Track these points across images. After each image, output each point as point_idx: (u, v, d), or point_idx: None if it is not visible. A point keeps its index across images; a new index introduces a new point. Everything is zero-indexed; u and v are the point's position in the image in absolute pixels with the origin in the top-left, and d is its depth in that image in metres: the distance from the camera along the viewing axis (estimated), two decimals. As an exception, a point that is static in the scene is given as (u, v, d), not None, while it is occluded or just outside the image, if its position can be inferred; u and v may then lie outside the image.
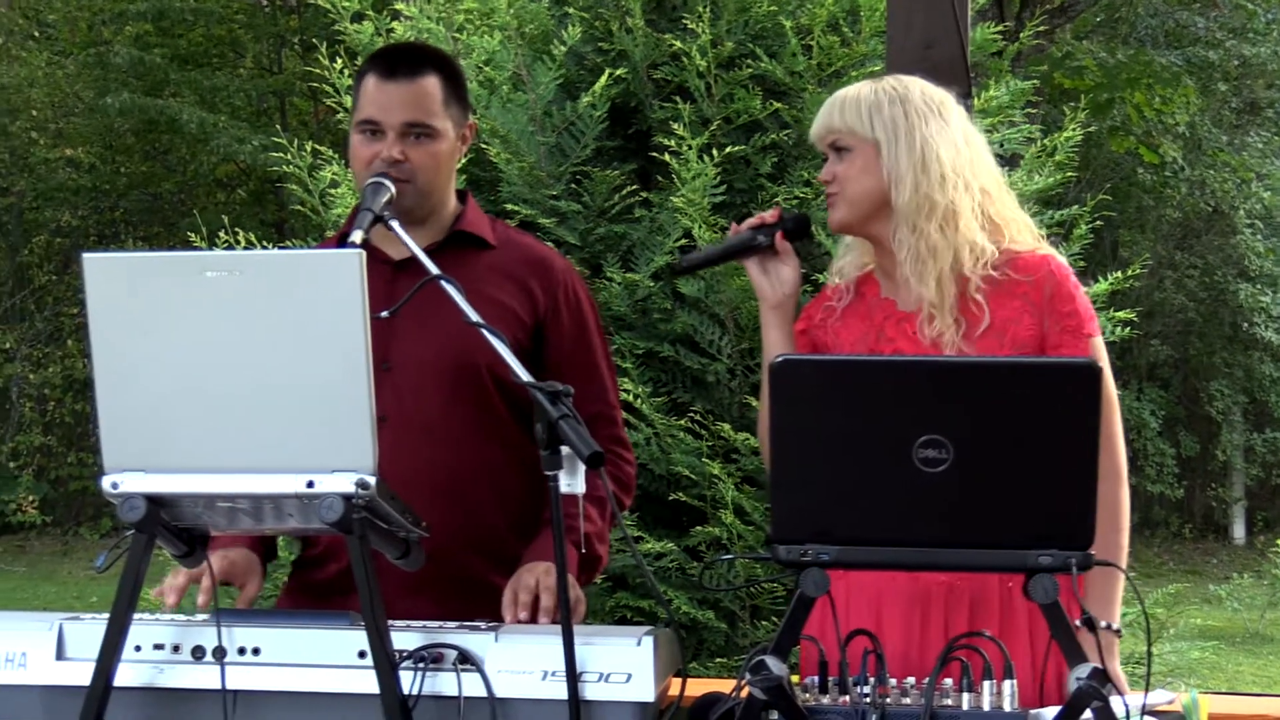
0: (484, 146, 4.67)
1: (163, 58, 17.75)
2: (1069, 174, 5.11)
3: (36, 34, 19.03)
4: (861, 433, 2.20)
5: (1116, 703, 2.16)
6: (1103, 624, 2.72)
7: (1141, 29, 17.39)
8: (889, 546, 2.23)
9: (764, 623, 4.45)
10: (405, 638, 2.35)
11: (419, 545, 2.47)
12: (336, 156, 5.03)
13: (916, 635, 2.72)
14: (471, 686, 2.31)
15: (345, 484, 2.23)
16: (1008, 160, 5.19)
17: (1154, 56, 15.80)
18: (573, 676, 2.27)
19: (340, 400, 2.24)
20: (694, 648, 4.44)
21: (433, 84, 2.93)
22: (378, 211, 2.76)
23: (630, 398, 4.36)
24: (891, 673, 2.33)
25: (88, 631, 2.42)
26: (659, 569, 4.43)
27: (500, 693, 2.31)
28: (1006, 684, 2.28)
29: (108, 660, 2.28)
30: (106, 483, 2.29)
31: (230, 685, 2.35)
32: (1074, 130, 5.02)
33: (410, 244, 2.70)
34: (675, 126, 4.57)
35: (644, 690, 2.30)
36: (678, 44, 4.70)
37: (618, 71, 4.70)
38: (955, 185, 2.80)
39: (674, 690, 2.41)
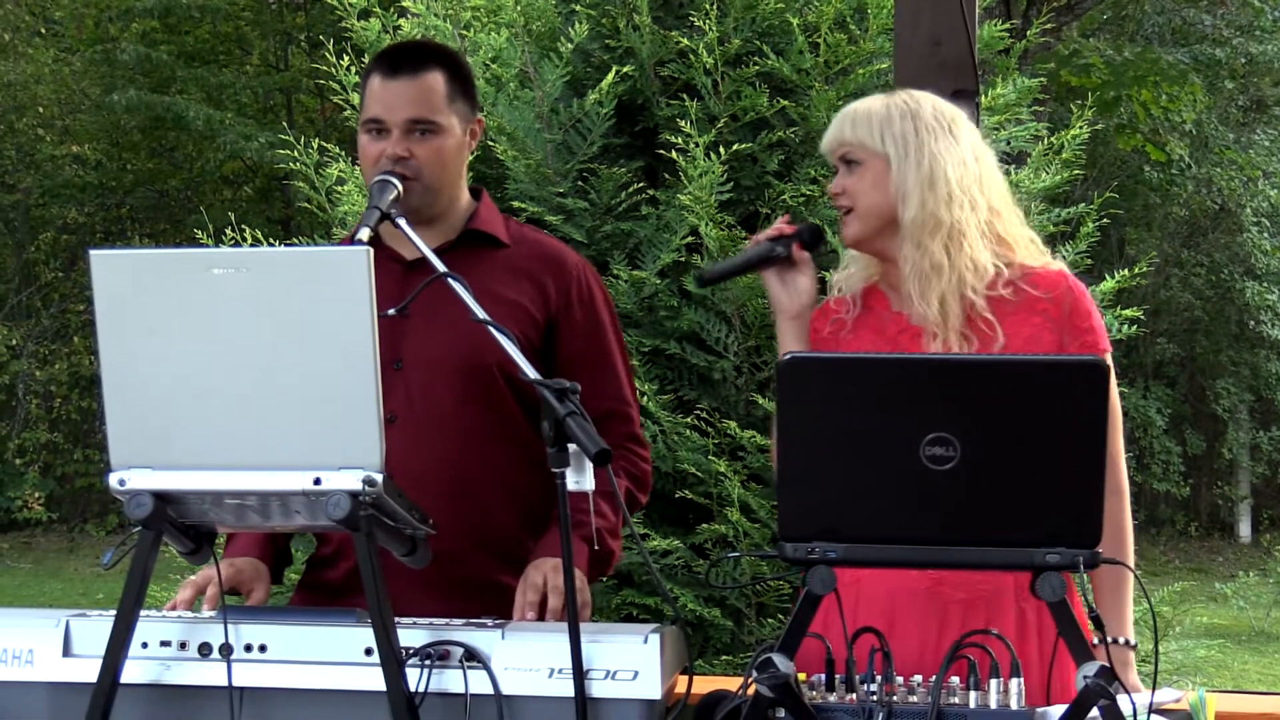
0: (491, 144, 4.67)
1: (169, 54, 17.79)
2: (1076, 172, 5.11)
3: (43, 30, 19.06)
4: (869, 430, 2.20)
5: (1123, 701, 2.16)
6: (1120, 640, 2.73)
7: (1148, 26, 17.39)
8: (896, 544, 2.22)
9: (770, 620, 4.45)
10: (412, 635, 2.34)
11: (425, 542, 2.47)
12: (343, 153, 5.04)
13: (933, 640, 2.70)
14: (478, 684, 2.31)
15: (352, 481, 2.23)
16: (1014, 158, 5.19)
17: (1161, 54, 15.78)
18: (579, 674, 2.27)
19: (347, 397, 2.23)
20: (700, 645, 4.44)
21: (436, 80, 2.92)
22: (384, 209, 2.75)
23: (636, 395, 4.36)
24: (900, 672, 2.33)
25: (94, 628, 2.41)
26: (665, 566, 4.43)
27: (507, 690, 2.31)
28: (1014, 682, 2.28)
29: (114, 657, 2.28)
30: (113, 479, 2.29)
31: (237, 682, 2.35)
32: (1080, 128, 5.02)
33: (417, 241, 2.69)
34: (682, 124, 4.56)
35: (650, 688, 2.30)
36: (685, 41, 4.70)
37: (625, 69, 4.70)
38: (961, 204, 2.79)
39: (680, 688, 2.41)
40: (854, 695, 2.29)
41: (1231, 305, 17.83)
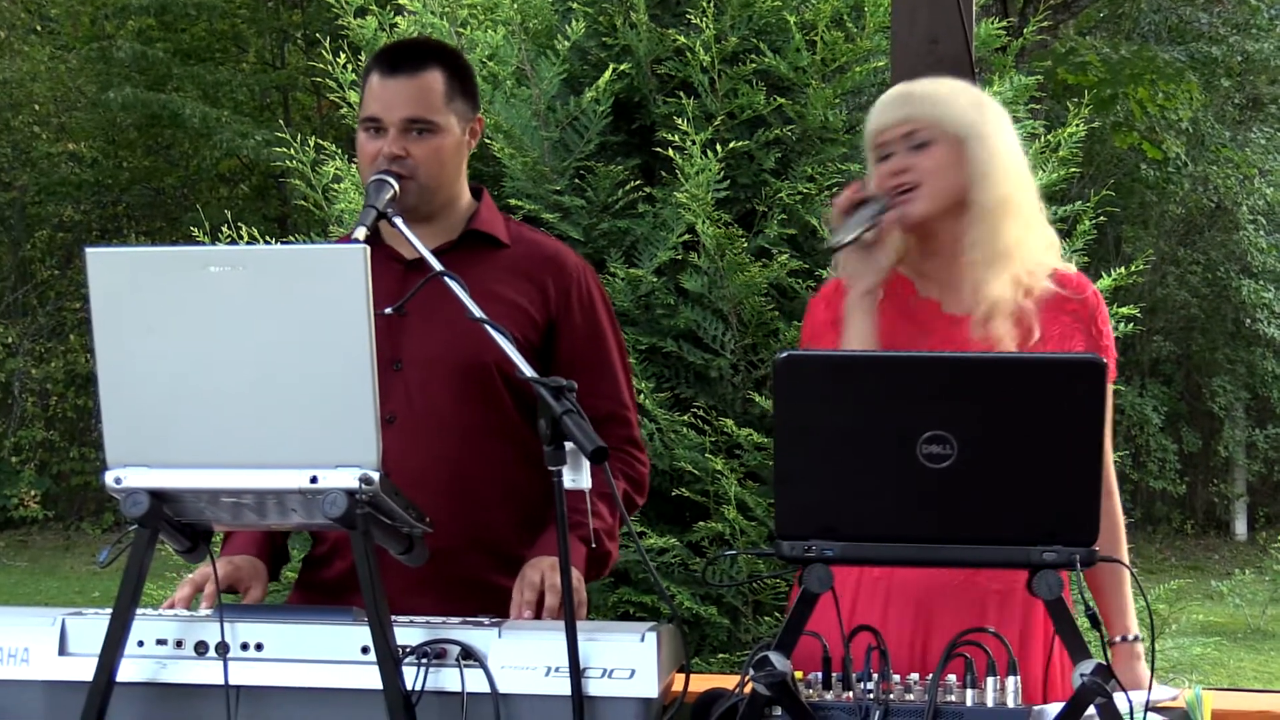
0: (488, 141, 4.66)
1: (165, 52, 17.76)
2: (1072, 170, 5.11)
3: (39, 28, 19.03)
4: (866, 428, 2.20)
5: (1120, 699, 2.16)
6: (1129, 637, 2.74)
7: (1145, 24, 17.39)
8: (893, 542, 2.22)
9: (767, 618, 4.45)
10: (408, 633, 2.34)
11: (422, 541, 2.47)
12: (339, 151, 5.03)
13: (923, 634, 2.71)
14: (475, 682, 2.31)
15: (349, 479, 2.22)
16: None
17: (1157, 52, 15.79)
18: (576, 672, 2.27)
19: (344, 395, 2.23)
20: (697, 643, 4.44)
21: (435, 79, 2.92)
22: (381, 208, 2.75)
23: (633, 393, 4.36)
24: (899, 669, 2.33)
25: (90, 627, 2.41)
26: (662, 564, 4.43)
27: (504, 688, 2.31)
28: (1010, 680, 2.28)
29: (110, 655, 2.28)
30: (109, 478, 2.28)
31: (233, 680, 2.34)
32: (1077, 126, 5.02)
33: (413, 240, 2.69)
34: (679, 122, 4.56)
35: (647, 686, 2.30)
36: (681, 39, 4.70)
37: (621, 66, 4.69)
38: (1029, 187, 2.80)
39: (677, 686, 2.40)
40: (850, 693, 2.29)
41: (1228, 303, 17.84)
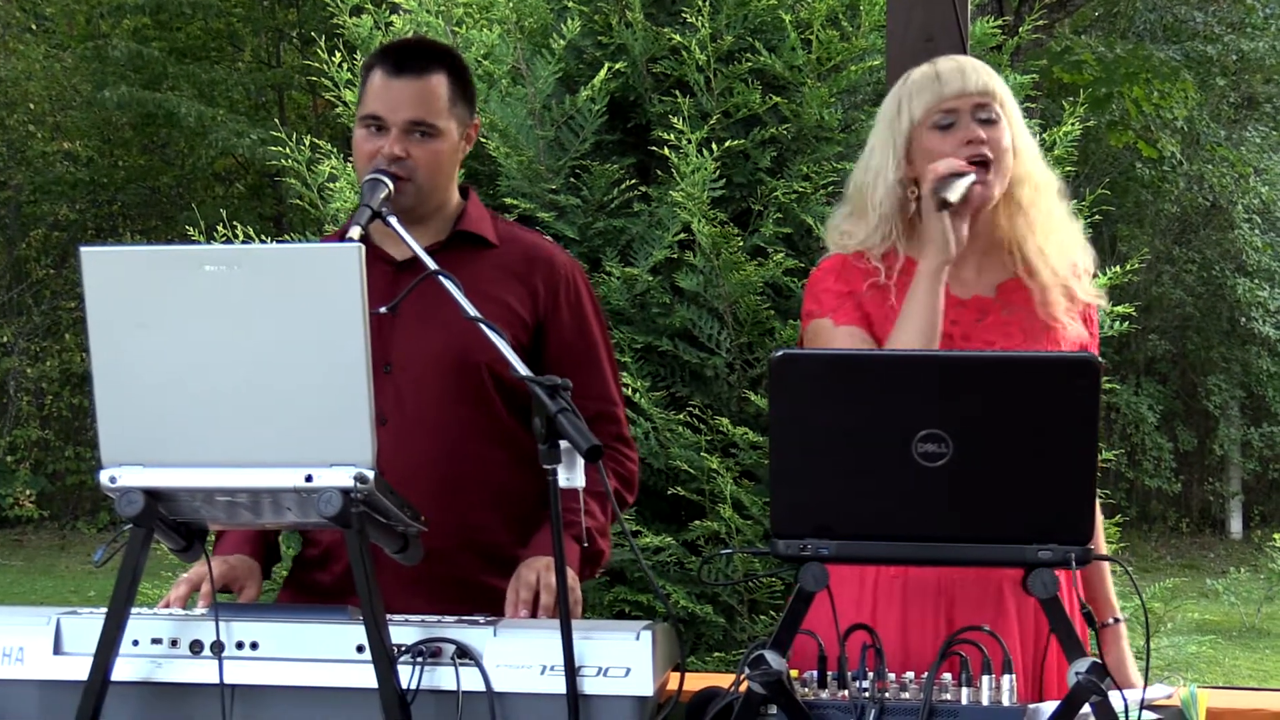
0: (483, 140, 4.66)
1: (161, 51, 17.75)
2: (1067, 169, 5.10)
3: (34, 27, 19.02)
4: (862, 427, 2.19)
5: (1115, 697, 2.16)
6: (1113, 619, 2.77)
7: (1140, 23, 17.41)
8: (889, 541, 2.22)
9: (762, 617, 4.45)
10: (403, 632, 2.34)
11: (417, 539, 2.47)
12: (335, 150, 5.03)
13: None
14: (470, 681, 2.30)
15: (344, 478, 2.22)
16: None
17: (1152, 51, 15.81)
18: (571, 671, 2.27)
19: (339, 394, 2.23)
20: (692, 642, 4.44)
21: (440, 83, 2.91)
22: (375, 208, 2.74)
23: (629, 392, 4.35)
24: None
25: (85, 626, 2.41)
26: (657, 563, 4.43)
27: (499, 687, 2.31)
28: (1005, 679, 2.28)
29: (105, 655, 2.28)
30: (104, 477, 2.28)
31: (228, 680, 2.34)
32: (1072, 125, 5.02)
33: (408, 239, 2.69)
34: (674, 120, 4.56)
35: (643, 685, 2.30)
36: (677, 38, 4.70)
37: (617, 65, 4.69)
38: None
39: (672, 685, 2.40)
40: (846, 692, 2.29)
41: (1223, 302, 17.87)
